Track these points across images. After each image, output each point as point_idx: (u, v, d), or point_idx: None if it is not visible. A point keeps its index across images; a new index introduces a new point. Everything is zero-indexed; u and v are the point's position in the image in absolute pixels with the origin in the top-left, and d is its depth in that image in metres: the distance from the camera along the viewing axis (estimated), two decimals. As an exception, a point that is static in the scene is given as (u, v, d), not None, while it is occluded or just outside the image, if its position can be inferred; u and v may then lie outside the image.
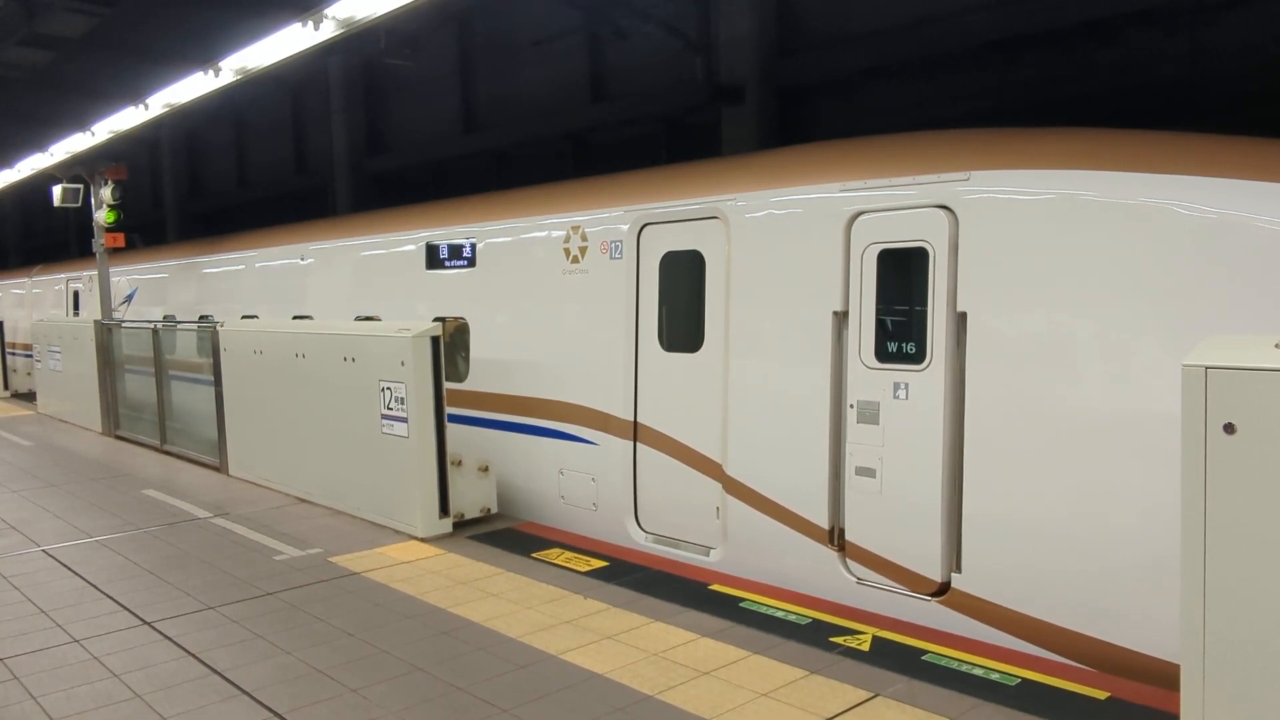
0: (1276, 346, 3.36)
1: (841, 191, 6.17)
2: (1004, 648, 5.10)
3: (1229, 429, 3.30)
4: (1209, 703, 3.41)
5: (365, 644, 5.23)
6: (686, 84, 12.91)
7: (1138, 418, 4.90)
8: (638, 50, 13.73)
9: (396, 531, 7.54)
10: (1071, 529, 5.13)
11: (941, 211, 5.65)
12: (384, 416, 7.56)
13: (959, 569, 5.60)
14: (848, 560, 6.15)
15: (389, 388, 7.47)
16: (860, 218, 6.06)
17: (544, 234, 8.41)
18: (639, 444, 7.50)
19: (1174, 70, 9.06)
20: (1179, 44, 9.10)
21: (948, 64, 10.63)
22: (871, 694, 4.44)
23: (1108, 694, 4.37)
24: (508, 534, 7.47)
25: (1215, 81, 8.82)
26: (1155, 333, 4.91)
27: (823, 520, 6.24)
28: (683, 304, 7.28)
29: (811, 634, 5.19)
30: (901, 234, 5.85)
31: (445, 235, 9.55)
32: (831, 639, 5.11)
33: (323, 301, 11.68)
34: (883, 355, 5.94)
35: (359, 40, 11.15)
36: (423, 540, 7.30)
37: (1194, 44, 8.99)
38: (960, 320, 5.59)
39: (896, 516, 5.85)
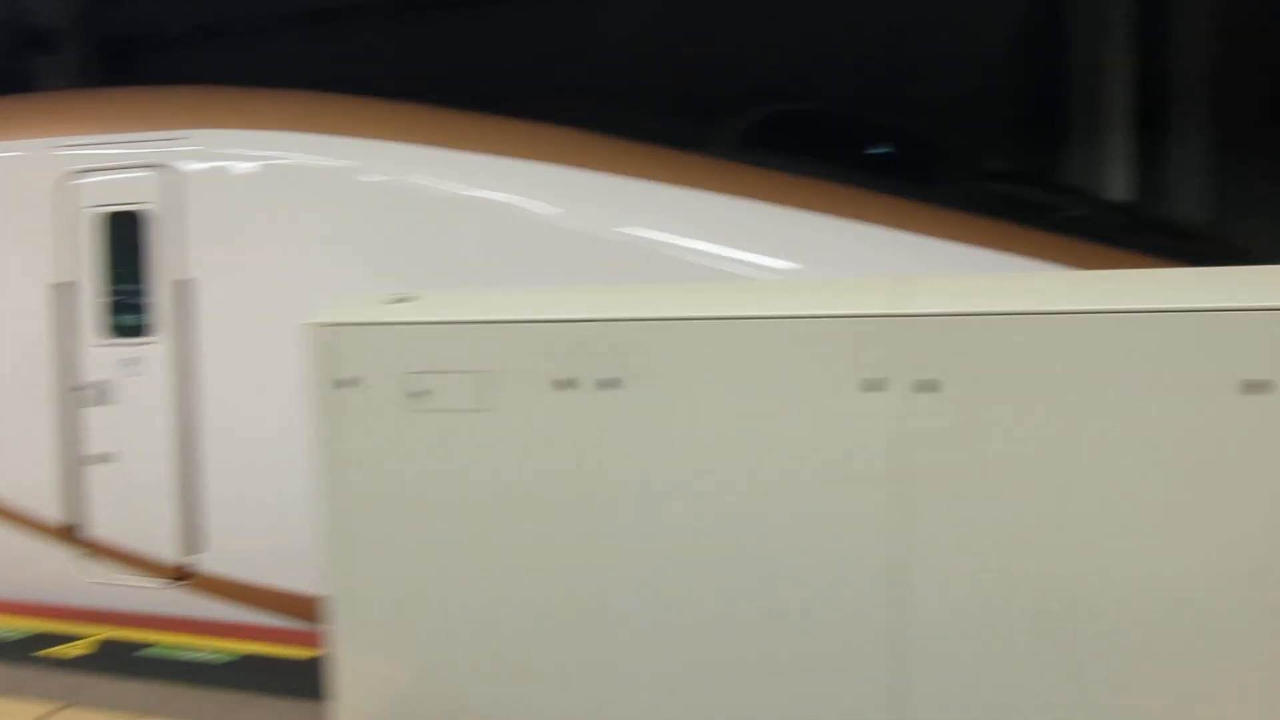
0: (387, 303, 3.57)
1: (54, 149, 5.48)
2: (238, 624, 4.96)
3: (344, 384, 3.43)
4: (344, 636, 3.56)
5: None
6: None
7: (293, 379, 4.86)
8: None
9: None
10: (281, 502, 5.03)
11: (162, 172, 5.27)
12: None
13: (201, 550, 5.31)
14: (84, 557, 5.52)
15: None
16: (78, 179, 5.43)
17: None
18: None
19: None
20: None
21: (271, 33, 10.24)
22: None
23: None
24: None
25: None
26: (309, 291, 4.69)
27: (59, 516, 5.55)
28: None
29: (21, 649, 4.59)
30: (123, 196, 5.35)
31: None
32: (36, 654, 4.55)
33: None
34: (113, 330, 5.41)
35: None
36: None
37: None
38: (187, 288, 5.28)
39: (138, 502, 5.39)
